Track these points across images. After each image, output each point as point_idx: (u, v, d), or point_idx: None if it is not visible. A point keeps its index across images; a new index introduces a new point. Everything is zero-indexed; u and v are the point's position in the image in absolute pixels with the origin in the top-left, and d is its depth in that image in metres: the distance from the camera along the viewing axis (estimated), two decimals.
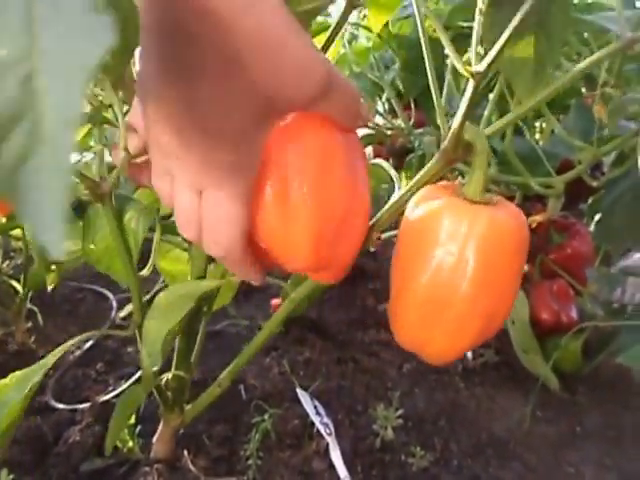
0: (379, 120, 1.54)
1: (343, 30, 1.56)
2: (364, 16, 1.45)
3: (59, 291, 1.50)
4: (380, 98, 1.58)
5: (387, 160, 1.70)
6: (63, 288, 1.52)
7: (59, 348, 0.59)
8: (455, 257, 0.42)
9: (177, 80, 0.33)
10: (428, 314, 0.45)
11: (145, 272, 0.66)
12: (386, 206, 0.52)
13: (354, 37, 1.61)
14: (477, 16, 0.55)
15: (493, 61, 0.48)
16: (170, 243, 0.82)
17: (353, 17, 1.55)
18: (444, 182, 0.49)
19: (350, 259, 0.47)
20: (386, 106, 1.61)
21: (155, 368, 0.56)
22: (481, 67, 0.48)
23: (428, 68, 0.57)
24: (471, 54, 0.52)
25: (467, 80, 0.50)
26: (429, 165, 0.51)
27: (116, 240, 0.60)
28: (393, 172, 0.66)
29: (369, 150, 1.73)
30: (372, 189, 0.50)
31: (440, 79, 1.15)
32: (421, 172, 0.52)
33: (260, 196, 0.40)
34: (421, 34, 0.56)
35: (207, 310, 0.79)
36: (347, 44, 1.53)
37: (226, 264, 0.43)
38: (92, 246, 0.64)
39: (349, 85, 0.39)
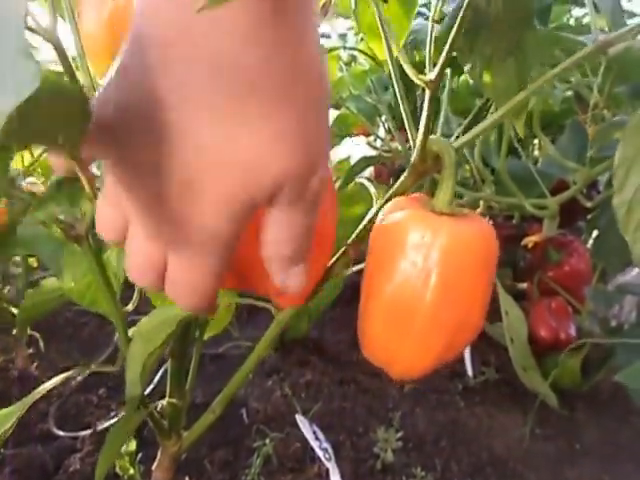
0: (378, 142, 1.56)
1: (341, 53, 1.59)
2: (361, 39, 1.47)
3: (62, 315, 1.51)
4: (380, 120, 1.60)
5: (388, 180, 1.71)
6: (66, 312, 1.51)
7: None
8: (417, 268, 0.42)
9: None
10: (393, 327, 0.44)
11: (130, 307, 0.66)
12: (361, 224, 0.52)
13: (354, 59, 1.64)
14: (429, 25, 0.56)
15: (443, 69, 0.49)
16: None
17: (351, 41, 1.57)
18: (416, 194, 0.49)
19: (311, 282, 0.46)
20: (385, 127, 1.63)
21: (136, 394, 0.56)
22: (432, 75, 0.49)
23: (396, 87, 0.57)
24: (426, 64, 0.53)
25: (423, 91, 0.51)
26: (401, 179, 0.52)
27: (97, 279, 0.57)
28: (372, 190, 0.67)
29: (370, 171, 1.75)
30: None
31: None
32: (394, 186, 0.52)
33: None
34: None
35: (200, 335, 0.79)
36: (344, 67, 1.55)
37: None
38: (72, 284, 0.64)
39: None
